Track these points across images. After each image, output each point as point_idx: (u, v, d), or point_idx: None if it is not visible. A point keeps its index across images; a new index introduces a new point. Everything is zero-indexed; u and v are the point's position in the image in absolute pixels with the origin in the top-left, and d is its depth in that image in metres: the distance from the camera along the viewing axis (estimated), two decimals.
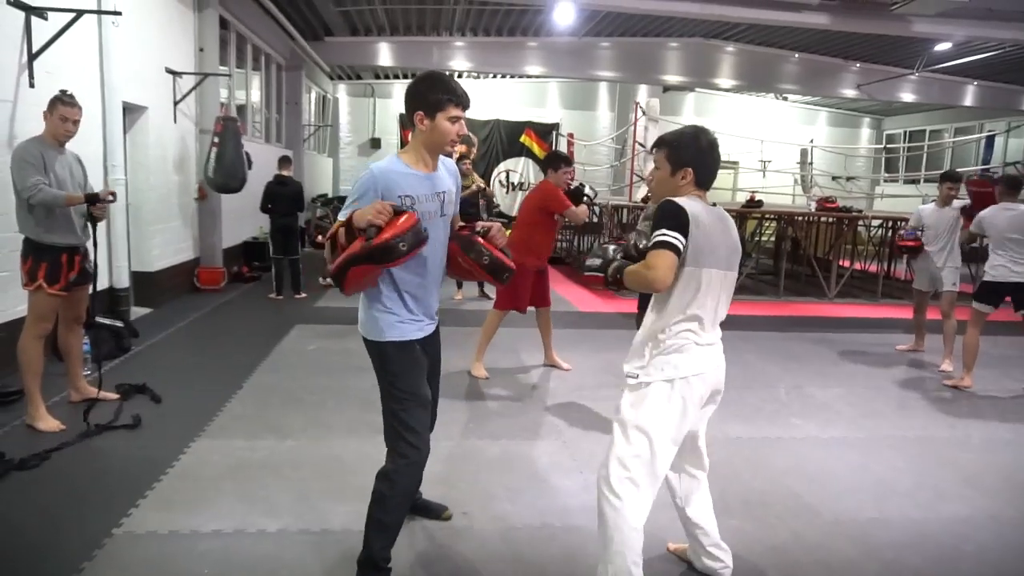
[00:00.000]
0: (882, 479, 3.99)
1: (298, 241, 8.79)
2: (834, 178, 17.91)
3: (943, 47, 12.45)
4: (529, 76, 16.68)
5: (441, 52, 13.91)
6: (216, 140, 8.00)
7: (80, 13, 5.44)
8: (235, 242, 10.06)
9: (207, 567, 2.83)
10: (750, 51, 14.70)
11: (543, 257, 5.70)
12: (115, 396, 4.65)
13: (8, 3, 4.93)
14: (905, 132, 20.30)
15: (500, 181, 18.21)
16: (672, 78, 15.08)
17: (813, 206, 11.38)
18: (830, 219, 11.42)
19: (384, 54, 14.07)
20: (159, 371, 5.29)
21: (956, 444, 4.62)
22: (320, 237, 11.92)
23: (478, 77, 17.43)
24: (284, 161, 8.70)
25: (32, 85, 5.15)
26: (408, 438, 2.60)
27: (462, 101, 2.58)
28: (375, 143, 18.16)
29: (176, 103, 8.01)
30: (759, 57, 14.81)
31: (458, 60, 14.17)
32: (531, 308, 5.79)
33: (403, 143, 15.91)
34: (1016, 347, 6.00)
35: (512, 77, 17.76)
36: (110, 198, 4.28)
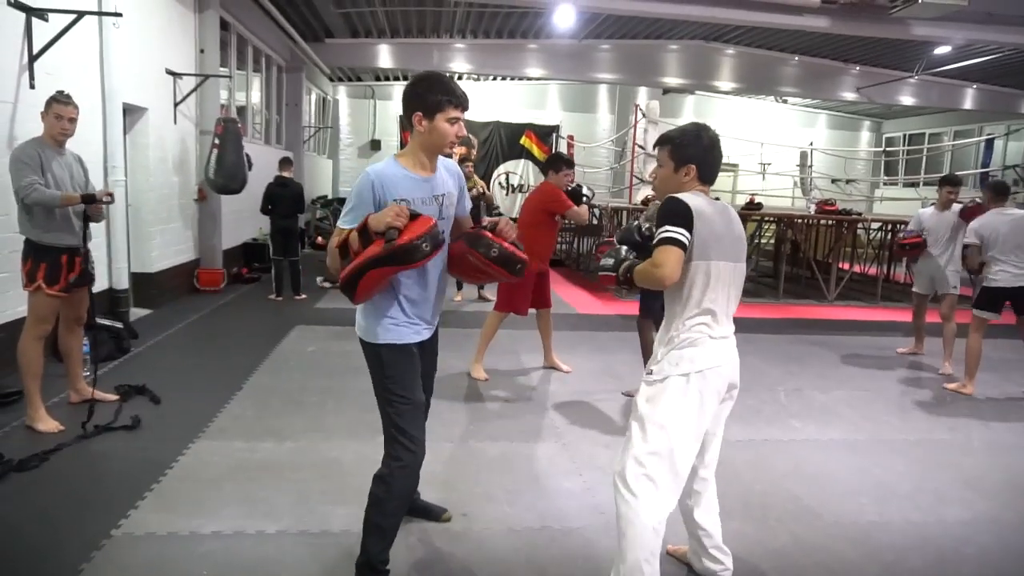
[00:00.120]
0: (882, 481, 3.99)
1: (298, 242, 8.79)
2: (834, 181, 17.93)
3: (943, 50, 12.46)
4: (529, 78, 16.70)
5: (441, 54, 13.92)
6: (217, 141, 8.00)
7: (81, 14, 5.44)
8: (235, 243, 10.05)
9: (206, 569, 2.82)
10: (750, 54, 14.72)
11: (544, 259, 5.70)
12: (114, 397, 4.64)
13: (9, 4, 4.93)
14: (905, 135, 20.31)
15: (500, 183, 18.22)
16: (672, 80, 15.09)
17: (813, 209, 11.38)
18: (830, 222, 11.41)
19: (384, 56, 14.07)
20: (158, 372, 5.28)
21: (957, 447, 4.62)
22: (320, 239, 11.94)
23: (478, 79, 17.45)
24: (285, 162, 8.69)
25: (33, 86, 5.15)
26: (403, 441, 2.59)
27: (461, 102, 2.56)
28: (375, 145, 18.17)
29: (176, 104, 8.01)
30: (759, 60, 14.83)
31: (458, 62, 14.18)
32: (531, 310, 5.79)
33: (403, 145, 15.86)
34: (1016, 351, 6.00)
35: (512, 79, 17.79)
36: (107, 199, 4.27)
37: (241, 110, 10.86)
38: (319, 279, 9.31)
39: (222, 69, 9.27)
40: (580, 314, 8.54)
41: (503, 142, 18.20)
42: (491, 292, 8.53)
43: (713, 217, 2.52)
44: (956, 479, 4.07)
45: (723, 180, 17.98)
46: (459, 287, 8.97)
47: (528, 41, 14.19)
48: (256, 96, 11.92)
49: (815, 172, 17.24)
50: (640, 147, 11.75)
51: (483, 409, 4.93)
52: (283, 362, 5.81)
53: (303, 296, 8.57)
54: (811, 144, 17.64)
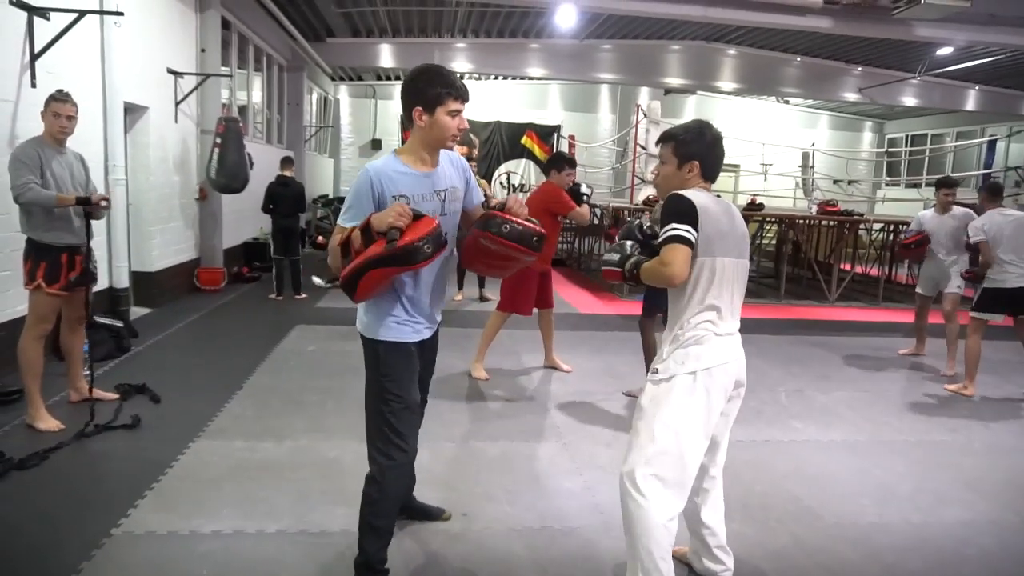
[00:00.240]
0: (883, 483, 3.98)
1: (299, 242, 8.79)
2: (835, 181, 17.90)
3: (945, 51, 12.45)
4: (530, 78, 16.69)
5: (442, 54, 13.91)
6: (218, 141, 8.00)
7: (82, 13, 5.44)
8: (235, 242, 10.05)
9: (206, 568, 2.82)
10: (752, 54, 14.70)
11: (546, 259, 5.69)
12: (114, 396, 4.64)
13: (10, 3, 4.93)
14: (907, 136, 20.30)
15: (501, 183, 18.21)
16: (673, 81, 15.08)
17: (814, 209, 11.37)
18: (831, 223, 11.41)
19: (385, 55, 14.07)
20: (159, 371, 5.28)
21: (957, 448, 4.61)
22: (321, 238, 11.93)
23: (479, 79, 17.45)
24: (286, 162, 8.68)
25: (34, 85, 5.15)
26: (395, 441, 2.57)
27: (461, 94, 2.50)
28: (376, 144, 18.17)
29: (177, 103, 8.01)
30: (761, 60, 14.82)
31: (459, 62, 14.17)
32: (533, 310, 5.78)
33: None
34: (1017, 352, 5.99)
35: (513, 79, 17.78)
36: (103, 204, 4.19)
37: (242, 109, 10.86)
38: (314, 278, 9.29)
39: (223, 68, 9.26)
40: (581, 314, 8.54)
41: (504, 142, 18.20)
42: (491, 292, 8.55)
43: (718, 214, 2.52)
44: (956, 480, 4.06)
45: (725, 181, 17.98)
46: (459, 287, 8.97)
47: (529, 41, 14.19)
48: (257, 95, 11.91)
49: (817, 173, 17.21)
50: (641, 147, 11.74)
51: (484, 409, 4.93)
52: (283, 362, 5.81)
53: (303, 295, 8.57)
54: (813, 145, 17.62)
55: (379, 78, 17.96)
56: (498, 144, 18.15)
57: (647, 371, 2.79)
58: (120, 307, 6.56)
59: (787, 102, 19.72)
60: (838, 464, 4.23)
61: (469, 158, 8.47)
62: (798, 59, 14.80)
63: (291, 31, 11.27)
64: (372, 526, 2.61)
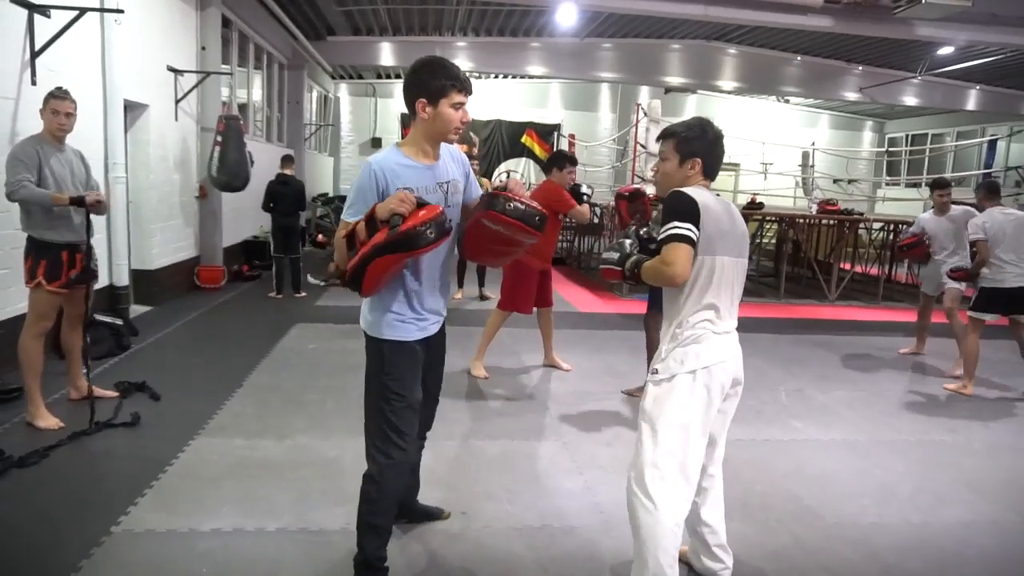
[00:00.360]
0: (883, 482, 3.98)
1: (299, 240, 8.78)
2: (835, 181, 17.90)
3: (946, 51, 12.44)
4: (531, 77, 16.68)
5: (443, 52, 13.86)
6: (219, 139, 7.99)
7: (83, 11, 5.43)
8: (235, 241, 10.05)
9: (206, 566, 2.82)
10: (752, 53, 14.69)
11: (547, 258, 5.69)
12: (114, 394, 4.64)
13: (11, 0, 4.92)
14: (907, 136, 20.29)
15: (501, 181, 18.19)
16: (674, 80, 15.07)
17: (814, 209, 11.36)
18: (831, 222, 11.40)
19: (386, 54, 14.07)
20: (158, 369, 5.28)
21: (957, 448, 4.61)
22: (321, 237, 11.93)
23: (480, 77, 17.43)
24: (287, 160, 8.67)
25: (34, 83, 5.14)
26: (395, 440, 2.56)
27: (465, 86, 2.48)
28: (376, 142, 18.16)
29: (177, 101, 8.00)
30: (761, 59, 14.81)
31: (460, 60, 14.16)
32: (533, 308, 5.78)
33: None
34: (1015, 351, 5.98)
35: (514, 77, 17.77)
36: (94, 208, 4.11)
37: (242, 107, 10.85)
38: (309, 277, 9.30)
39: (223, 66, 9.25)
40: (581, 313, 8.53)
41: (504, 140, 18.19)
42: (491, 291, 8.55)
43: (719, 212, 2.51)
44: (957, 480, 4.06)
45: (725, 179, 17.97)
46: (459, 285, 8.96)
47: (530, 39, 14.18)
48: (257, 93, 11.91)
49: (817, 172, 17.21)
50: (642, 146, 11.73)
51: (483, 407, 4.93)
52: (283, 360, 5.81)
53: (303, 294, 8.57)
54: (813, 144, 17.61)
55: (379, 76, 17.96)
56: (498, 143, 18.14)
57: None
58: (120, 305, 6.56)
59: (787, 101, 19.71)
60: (838, 464, 4.23)
61: (470, 156, 8.47)
62: (799, 58, 14.80)
63: (291, 29, 11.27)
64: (371, 524, 2.61)
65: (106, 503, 3.26)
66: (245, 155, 8.17)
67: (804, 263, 12.10)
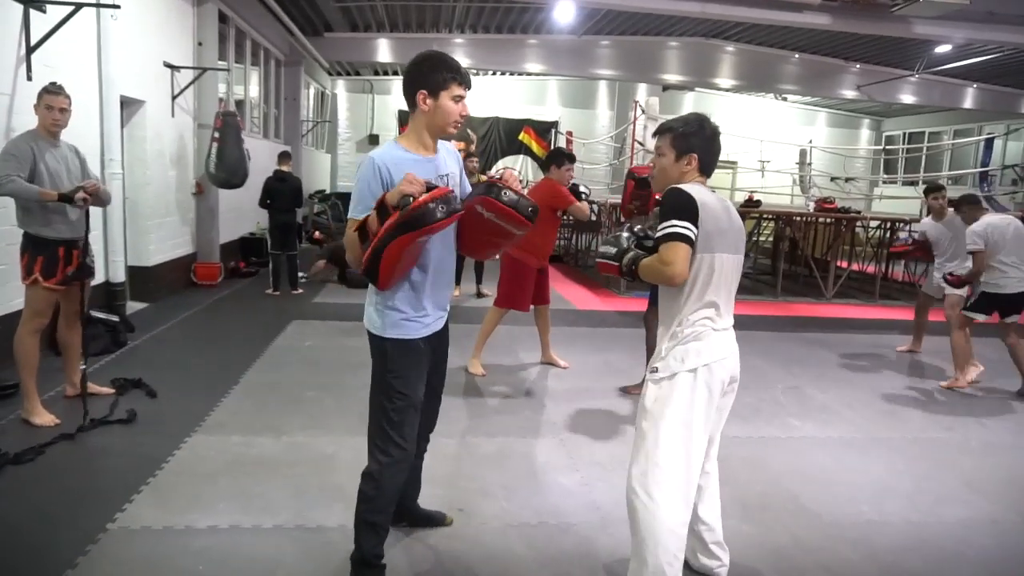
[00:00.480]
0: (881, 481, 3.98)
1: (296, 237, 8.76)
2: (833, 179, 17.91)
3: (943, 49, 12.45)
4: (529, 74, 16.67)
5: (441, 49, 13.52)
6: (217, 135, 7.97)
7: (79, 6, 5.40)
8: (232, 237, 10.03)
9: (202, 563, 2.81)
10: (750, 51, 14.68)
11: (544, 256, 5.67)
12: (109, 391, 4.62)
13: None
14: (904, 134, 20.31)
15: (498, 172, 18.17)
16: (672, 77, 15.06)
17: (811, 207, 11.36)
18: (828, 220, 11.41)
19: (383, 50, 14.03)
20: (155, 366, 5.26)
21: (956, 446, 4.61)
22: (318, 233, 11.91)
23: (477, 74, 17.37)
24: (284, 157, 8.65)
25: (30, 78, 5.12)
26: (395, 438, 2.56)
27: (465, 80, 2.51)
28: (373, 139, 18.12)
29: (174, 98, 7.98)
30: (759, 57, 14.80)
31: (458, 57, 13.59)
32: (530, 306, 5.77)
33: None
34: None
35: (512, 75, 17.74)
36: (80, 204, 4.05)
37: (239, 104, 10.81)
38: (300, 274, 9.29)
39: (220, 62, 9.23)
40: (578, 310, 8.53)
41: (502, 138, 18.16)
42: (489, 288, 8.53)
43: (717, 209, 2.49)
44: (955, 479, 4.07)
45: (722, 177, 17.96)
46: (456, 282, 8.95)
47: (528, 36, 14.15)
48: (254, 90, 11.88)
49: (814, 170, 17.21)
50: (639, 143, 11.72)
51: (481, 405, 4.92)
52: (280, 357, 5.79)
53: (300, 291, 8.55)
54: (811, 142, 17.61)
55: (376, 73, 17.92)
56: (496, 140, 18.11)
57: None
58: (116, 302, 6.54)
59: (785, 99, 19.71)
60: (836, 462, 4.23)
61: (469, 153, 8.46)
62: (796, 56, 14.79)
63: (289, 25, 11.23)
64: (369, 522, 2.60)
65: (102, 500, 3.24)
66: (243, 151, 8.16)
67: (801, 261, 12.12)
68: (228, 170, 8.03)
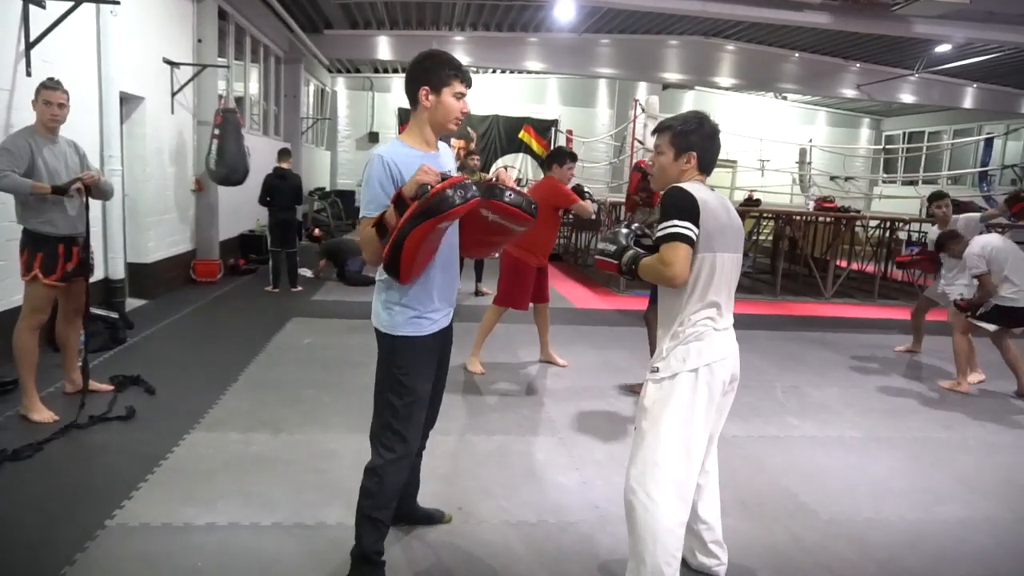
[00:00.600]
0: (879, 479, 3.99)
1: (296, 235, 8.76)
2: (832, 178, 17.91)
3: (943, 49, 12.44)
4: (529, 72, 16.64)
5: (440, 46, 13.78)
6: (217, 132, 7.96)
7: (78, 2, 5.39)
8: (232, 234, 10.02)
9: (201, 560, 2.81)
10: (750, 50, 14.68)
11: (544, 255, 5.67)
12: (108, 387, 4.62)
13: None
14: (904, 133, 20.30)
15: (495, 173, 18.14)
16: (672, 76, 15.06)
17: (811, 206, 11.36)
18: (828, 219, 11.41)
19: (383, 48, 14.02)
20: (154, 363, 5.26)
21: (953, 445, 4.62)
22: (317, 231, 11.90)
23: (477, 72, 17.38)
24: (283, 154, 8.64)
25: (29, 74, 5.11)
26: (401, 434, 2.58)
27: (466, 78, 2.56)
28: (373, 137, 18.12)
29: (174, 94, 7.96)
30: (759, 56, 14.79)
31: (458, 54, 13.67)
32: (530, 304, 5.77)
33: None
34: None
35: (511, 73, 17.73)
36: (73, 194, 4.07)
37: (239, 101, 10.80)
38: (305, 270, 9.30)
39: (220, 59, 9.22)
40: (577, 309, 8.53)
41: (501, 136, 18.16)
42: (488, 286, 8.53)
43: (717, 208, 2.49)
44: (953, 478, 4.07)
45: (722, 176, 17.97)
46: None
47: (528, 34, 14.14)
48: (254, 87, 11.86)
49: (814, 169, 17.21)
50: (639, 142, 11.72)
51: (480, 403, 4.92)
52: (279, 354, 5.79)
53: (300, 288, 8.55)
54: (810, 141, 17.61)
55: (376, 71, 17.90)
56: (495, 138, 18.11)
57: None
58: (116, 298, 6.53)
59: (785, 98, 19.70)
60: (834, 460, 4.24)
61: (470, 152, 8.46)
62: (796, 55, 14.79)
63: (289, 22, 11.22)
64: (370, 518, 2.61)
65: (101, 497, 3.24)
66: (243, 148, 8.15)
67: (801, 260, 12.11)
68: (229, 167, 8.02)
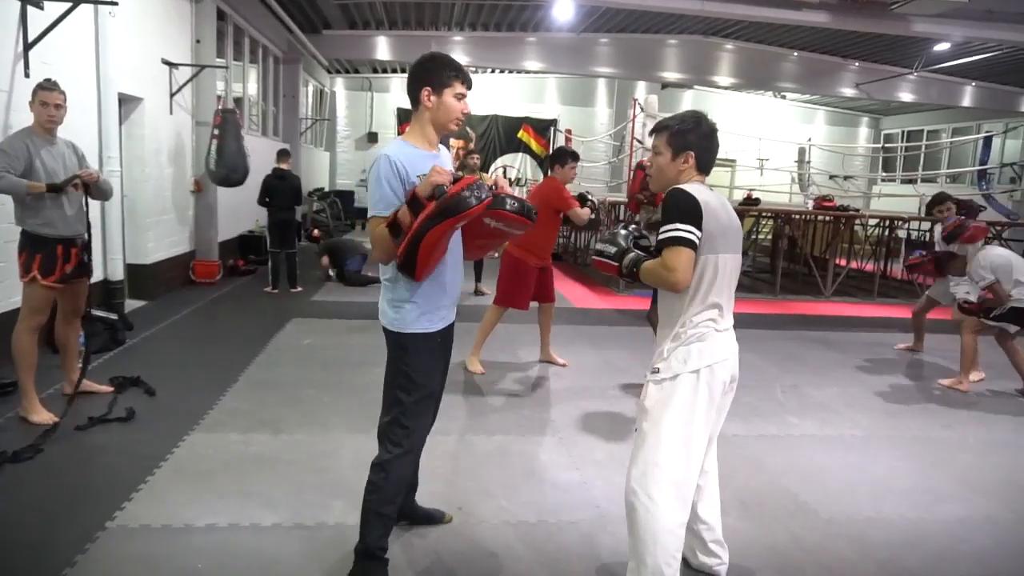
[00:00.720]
0: (879, 479, 3.99)
1: (295, 235, 8.75)
2: (831, 177, 17.91)
3: (942, 47, 12.46)
4: (528, 71, 16.64)
5: (440, 46, 13.83)
6: (216, 133, 7.96)
7: (77, 3, 5.38)
8: (231, 235, 10.02)
9: (201, 561, 2.81)
10: (749, 49, 14.68)
11: (545, 256, 5.67)
12: (108, 388, 4.62)
13: None
14: (903, 132, 20.31)
15: (493, 179, 18.14)
16: (671, 75, 15.06)
17: (810, 205, 11.37)
18: (827, 218, 11.42)
19: (382, 48, 14.01)
20: (153, 364, 5.26)
21: (953, 445, 4.62)
22: (316, 231, 11.90)
23: (476, 72, 17.37)
24: (283, 154, 8.63)
25: (27, 75, 5.10)
26: (410, 429, 2.62)
27: (467, 79, 2.61)
28: (372, 137, 18.12)
29: (172, 95, 7.95)
30: (758, 55, 14.79)
31: (456, 55, 13.98)
32: (533, 303, 5.75)
33: None
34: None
35: (510, 72, 17.73)
36: (70, 191, 4.07)
37: (237, 101, 10.79)
38: (321, 267, 9.38)
39: (218, 60, 9.21)
40: (577, 309, 8.52)
41: (500, 135, 18.16)
42: (487, 286, 8.53)
43: (718, 209, 2.48)
44: (953, 477, 4.07)
45: (721, 175, 17.96)
46: None
47: (527, 34, 14.13)
48: (253, 87, 11.86)
49: (813, 168, 17.21)
50: (638, 141, 11.71)
51: (480, 403, 4.92)
52: (279, 355, 5.79)
53: (299, 289, 8.54)
54: (809, 140, 17.61)
55: (375, 71, 17.89)
56: (494, 138, 18.11)
57: None
58: (115, 300, 6.53)
59: (784, 97, 19.71)
60: (834, 460, 4.24)
61: (470, 151, 8.46)
62: (795, 54, 14.79)
63: (287, 23, 11.21)
64: (376, 513, 2.62)
65: (101, 498, 3.24)
66: (243, 149, 8.15)
67: (800, 259, 12.12)
68: (228, 167, 8.02)
